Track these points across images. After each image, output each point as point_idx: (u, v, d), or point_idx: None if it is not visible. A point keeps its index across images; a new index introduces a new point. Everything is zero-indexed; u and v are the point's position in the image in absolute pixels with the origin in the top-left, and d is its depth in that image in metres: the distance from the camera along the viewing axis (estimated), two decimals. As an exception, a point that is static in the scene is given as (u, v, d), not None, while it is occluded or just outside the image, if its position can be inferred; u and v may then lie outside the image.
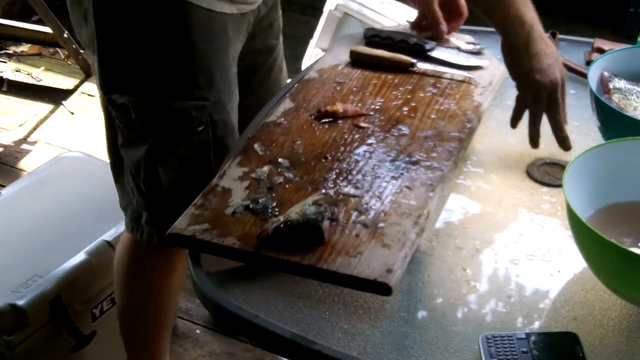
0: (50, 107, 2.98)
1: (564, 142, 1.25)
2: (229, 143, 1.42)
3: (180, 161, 1.41)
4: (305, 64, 2.59)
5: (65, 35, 2.98)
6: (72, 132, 2.84)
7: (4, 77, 3.01)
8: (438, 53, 1.48)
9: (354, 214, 1.11)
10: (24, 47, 3.32)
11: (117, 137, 1.44)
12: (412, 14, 2.54)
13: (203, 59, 1.35)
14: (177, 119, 1.37)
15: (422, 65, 1.45)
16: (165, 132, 1.39)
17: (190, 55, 1.34)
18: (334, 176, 1.18)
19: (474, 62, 1.45)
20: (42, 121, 2.90)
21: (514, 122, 1.30)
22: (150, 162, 1.40)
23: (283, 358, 1.48)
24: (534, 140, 1.27)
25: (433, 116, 1.31)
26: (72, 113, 2.95)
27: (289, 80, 1.49)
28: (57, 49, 3.23)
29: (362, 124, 1.28)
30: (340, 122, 1.30)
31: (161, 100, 1.36)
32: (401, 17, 2.50)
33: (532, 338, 0.95)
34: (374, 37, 1.52)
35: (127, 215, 1.52)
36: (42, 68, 3.21)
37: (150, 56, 1.33)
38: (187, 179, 1.41)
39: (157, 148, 1.39)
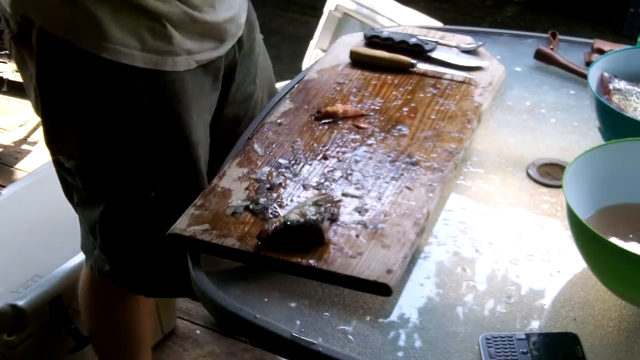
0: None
1: None
2: (195, 194, 1.33)
3: (137, 222, 1.35)
4: (305, 64, 2.59)
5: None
6: (72, 133, 2.84)
7: (4, 78, 3.01)
8: (438, 54, 1.48)
9: (354, 215, 1.11)
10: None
11: (72, 193, 1.39)
12: (412, 15, 2.55)
13: (153, 125, 1.27)
14: (127, 185, 1.31)
15: (422, 66, 1.45)
16: (116, 198, 1.32)
17: (138, 124, 1.26)
18: (334, 177, 1.18)
19: (474, 63, 1.45)
20: (42, 121, 2.90)
21: None
22: (105, 224, 1.35)
23: (283, 358, 1.48)
24: None
25: (433, 117, 1.31)
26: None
27: (288, 81, 1.49)
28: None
29: (362, 125, 1.29)
30: (340, 122, 1.31)
31: (108, 168, 1.30)
32: (401, 17, 2.50)
33: (532, 338, 0.95)
34: (374, 37, 1.52)
35: (89, 258, 1.47)
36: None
37: (96, 125, 1.26)
38: (146, 236, 1.35)
39: (110, 212, 1.34)
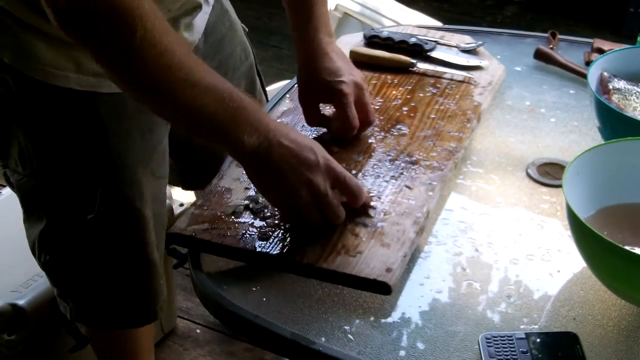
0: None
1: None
2: (136, 230, 1.30)
3: (74, 246, 1.30)
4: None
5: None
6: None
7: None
8: (438, 53, 1.48)
9: (354, 213, 1.11)
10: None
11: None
12: (412, 15, 2.55)
13: (87, 146, 1.22)
14: (63, 203, 1.26)
15: (421, 66, 1.45)
16: (54, 217, 1.28)
17: (73, 144, 1.22)
18: (334, 176, 1.18)
19: (474, 62, 1.45)
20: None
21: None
22: (43, 244, 1.32)
23: (283, 358, 1.48)
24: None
25: (433, 116, 1.32)
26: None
27: (288, 81, 1.49)
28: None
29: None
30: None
31: (46, 186, 1.26)
32: (401, 17, 2.51)
33: (532, 338, 0.95)
34: (374, 37, 1.52)
35: (60, 303, 1.42)
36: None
37: (33, 143, 1.22)
38: (84, 264, 1.32)
39: (49, 231, 1.30)
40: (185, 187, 1.68)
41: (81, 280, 1.35)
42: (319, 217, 1.06)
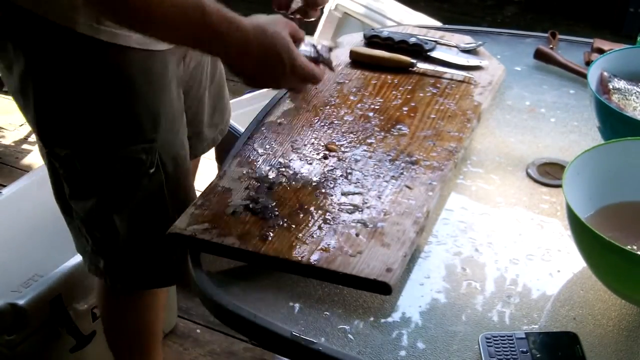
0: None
1: None
2: (182, 179, 1.38)
3: (135, 207, 1.35)
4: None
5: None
6: (72, 132, 2.84)
7: (4, 77, 3.01)
8: (438, 53, 1.48)
9: (354, 213, 1.11)
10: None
11: (63, 187, 1.37)
12: (412, 14, 2.55)
13: (146, 101, 1.28)
14: (126, 165, 1.30)
15: (421, 65, 1.45)
16: (115, 181, 1.32)
17: (132, 102, 1.27)
18: (334, 176, 1.18)
19: (474, 62, 1.45)
20: (42, 121, 2.90)
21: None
22: (104, 212, 1.35)
23: (283, 357, 1.48)
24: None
25: (433, 116, 1.32)
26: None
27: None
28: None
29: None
30: (339, 122, 1.31)
31: (107, 149, 1.29)
32: (401, 17, 2.50)
33: (532, 338, 0.95)
34: (374, 37, 1.52)
35: (86, 259, 1.47)
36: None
37: (91, 106, 1.26)
38: (144, 223, 1.37)
39: (109, 197, 1.33)
40: None
41: (133, 242, 1.39)
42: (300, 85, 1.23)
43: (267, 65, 1.16)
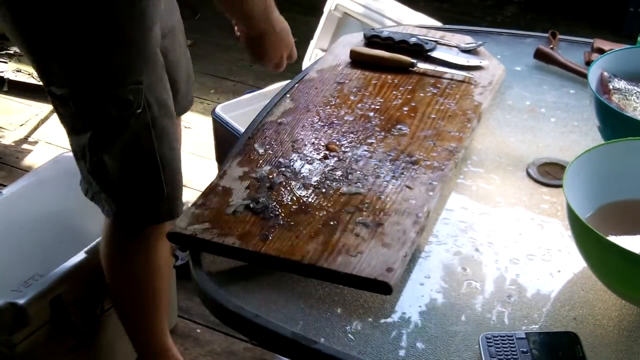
0: (50, 107, 2.98)
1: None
2: (165, 122, 1.45)
3: (124, 146, 1.43)
4: (305, 64, 2.59)
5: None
6: (73, 132, 2.84)
7: (5, 77, 3.01)
8: (438, 53, 1.48)
9: (355, 213, 1.11)
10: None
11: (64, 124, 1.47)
12: (412, 14, 2.55)
13: (132, 42, 1.36)
14: (115, 105, 1.38)
15: (422, 65, 1.45)
16: (105, 119, 1.40)
17: (119, 40, 1.35)
18: (335, 176, 1.18)
19: (474, 62, 1.45)
20: (42, 121, 2.90)
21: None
22: (94, 149, 1.43)
23: (283, 357, 1.48)
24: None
25: (433, 116, 1.32)
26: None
27: (289, 81, 1.49)
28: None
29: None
30: (339, 122, 1.31)
31: (97, 88, 1.37)
32: (401, 17, 2.50)
33: (532, 338, 0.95)
34: (374, 37, 1.52)
35: (95, 200, 1.55)
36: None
37: (80, 46, 1.34)
38: (133, 162, 1.45)
39: (100, 135, 1.42)
40: None
41: (127, 178, 1.47)
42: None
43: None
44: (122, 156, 1.44)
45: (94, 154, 1.44)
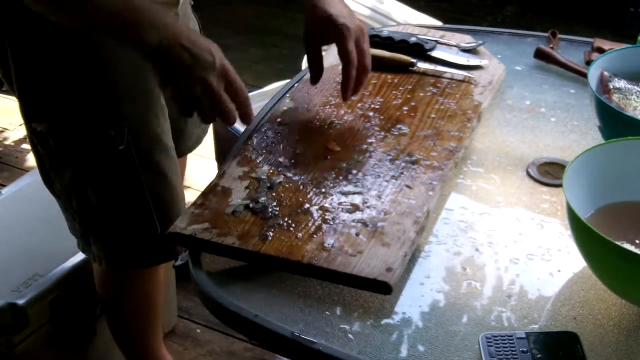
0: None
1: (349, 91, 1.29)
2: (158, 156, 1.38)
3: (108, 182, 1.37)
4: (305, 63, 2.59)
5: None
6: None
7: (4, 77, 3.01)
8: (438, 53, 1.48)
9: (354, 213, 1.11)
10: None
11: (44, 164, 1.40)
12: (412, 14, 2.55)
13: (118, 78, 1.30)
14: (95, 140, 1.32)
15: (422, 65, 1.45)
16: (86, 155, 1.34)
17: (104, 76, 1.29)
18: (334, 175, 1.18)
19: (474, 62, 1.45)
20: (42, 121, 2.90)
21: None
22: (77, 186, 1.37)
23: (283, 357, 1.48)
24: (347, 92, 1.29)
25: (433, 115, 1.32)
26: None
27: (288, 80, 1.49)
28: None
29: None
30: (339, 121, 1.31)
31: (76, 124, 1.31)
32: (401, 17, 2.51)
33: (532, 337, 0.95)
34: (374, 37, 1.52)
35: (79, 240, 1.49)
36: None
37: (64, 81, 1.29)
38: (119, 199, 1.38)
39: (82, 172, 1.36)
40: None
41: (115, 218, 1.40)
42: (213, 113, 1.14)
43: (193, 54, 1.10)
44: (108, 194, 1.38)
45: (77, 192, 1.38)
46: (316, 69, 1.33)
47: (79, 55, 1.26)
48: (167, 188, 1.41)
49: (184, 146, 1.59)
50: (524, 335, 0.96)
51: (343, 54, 1.26)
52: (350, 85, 1.27)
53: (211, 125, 2.18)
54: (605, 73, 1.28)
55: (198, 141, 1.66)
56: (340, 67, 1.45)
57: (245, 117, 1.17)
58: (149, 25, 1.10)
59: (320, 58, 1.32)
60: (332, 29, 1.26)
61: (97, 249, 1.45)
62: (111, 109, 1.31)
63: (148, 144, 1.36)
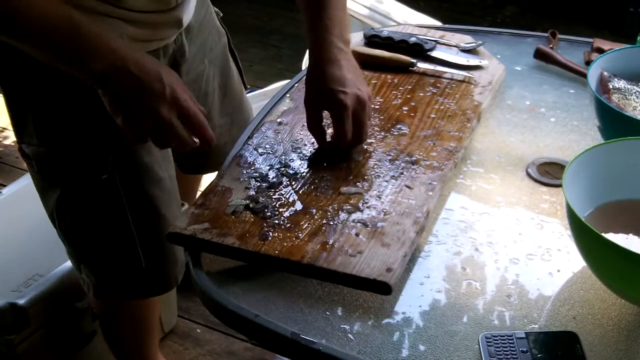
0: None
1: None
2: (147, 187, 1.33)
3: (92, 211, 1.33)
4: (305, 63, 2.59)
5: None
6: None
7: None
8: (438, 53, 1.48)
9: (354, 213, 1.11)
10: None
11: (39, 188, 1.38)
12: (412, 14, 2.55)
13: (98, 101, 1.18)
14: (79, 168, 1.29)
15: (421, 65, 1.45)
16: (71, 182, 1.31)
17: (85, 102, 1.21)
18: (334, 175, 1.18)
19: (474, 62, 1.45)
20: (42, 121, 2.90)
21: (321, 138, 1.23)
22: (61, 211, 1.34)
23: (283, 357, 1.48)
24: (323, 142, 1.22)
25: (433, 116, 1.32)
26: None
27: (288, 80, 1.49)
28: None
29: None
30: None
31: (61, 150, 1.28)
32: (401, 17, 2.51)
33: (532, 337, 0.95)
34: (374, 37, 1.52)
35: (74, 263, 1.46)
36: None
37: (47, 106, 1.26)
38: (104, 230, 1.35)
39: (67, 198, 1.32)
40: (184, 170, 1.66)
41: (100, 247, 1.36)
42: (167, 142, 1.12)
43: (142, 83, 1.06)
44: (91, 222, 1.34)
45: (63, 218, 1.35)
46: (318, 134, 1.23)
47: (65, 83, 1.21)
48: (156, 221, 1.35)
49: (214, 161, 1.43)
50: (523, 335, 0.96)
51: (338, 132, 1.20)
52: (336, 145, 1.21)
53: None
54: (605, 73, 1.28)
55: (220, 164, 1.51)
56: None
57: (205, 141, 1.13)
58: (93, 52, 1.05)
59: (320, 122, 1.23)
60: (329, 103, 1.19)
61: (86, 276, 1.42)
62: (95, 137, 1.27)
63: (135, 174, 1.31)
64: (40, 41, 1.07)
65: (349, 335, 0.98)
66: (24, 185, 1.92)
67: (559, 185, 1.09)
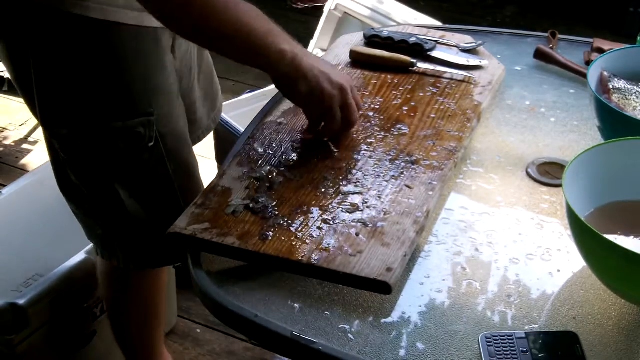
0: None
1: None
2: (183, 153, 1.41)
3: (139, 181, 1.37)
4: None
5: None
6: (73, 132, 2.84)
7: (5, 77, 3.01)
8: (438, 53, 1.48)
9: (354, 213, 1.11)
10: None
11: (66, 171, 1.38)
12: (412, 14, 2.55)
13: (140, 76, 1.30)
14: (125, 139, 1.32)
15: (422, 65, 1.45)
16: (116, 155, 1.33)
17: (127, 76, 1.28)
18: (334, 175, 1.18)
19: (474, 62, 1.45)
20: (42, 121, 2.90)
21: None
22: (109, 187, 1.36)
23: (283, 357, 1.48)
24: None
25: (433, 115, 1.32)
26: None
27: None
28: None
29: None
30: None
31: (105, 124, 1.30)
32: (401, 17, 2.51)
33: (532, 337, 0.95)
34: (374, 37, 1.52)
35: (98, 244, 1.49)
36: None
37: (87, 83, 1.28)
38: (149, 197, 1.39)
39: (112, 172, 1.35)
40: None
41: (141, 217, 1.40)
42: (339, 121, 1.22)
43: (326, 71, 1.20)
44: (139, 193, 1.38)
45: (105, 195, 1.37)
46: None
47: (102, 58, 1.26)
48: (193, 183, 1.44)
49: (194, 136, 1.56)
50: (523, 335, 0.96)
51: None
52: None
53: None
54: (605, 73, 1.28)
55: (208, 129, 1.64)
56: (341, 67, 1.46)
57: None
58: (283, 38, 1.19)
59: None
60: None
61: (120, 249, 1.46)
62: (138, 107, 1.31)
63: (174, 140, 1.38)
64: (233, 31, 1.16)
65: (349, 335, 0.98)
66: (24, 185, 1.93)
67: (559, 185, 1.09)
